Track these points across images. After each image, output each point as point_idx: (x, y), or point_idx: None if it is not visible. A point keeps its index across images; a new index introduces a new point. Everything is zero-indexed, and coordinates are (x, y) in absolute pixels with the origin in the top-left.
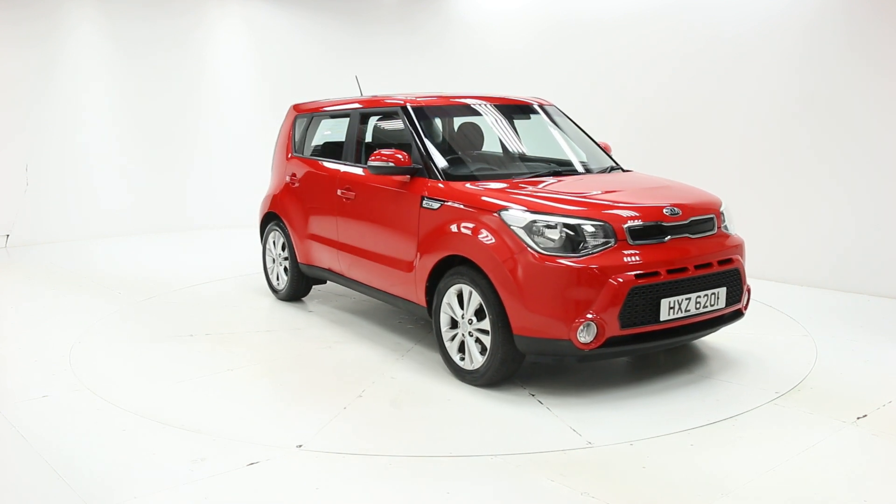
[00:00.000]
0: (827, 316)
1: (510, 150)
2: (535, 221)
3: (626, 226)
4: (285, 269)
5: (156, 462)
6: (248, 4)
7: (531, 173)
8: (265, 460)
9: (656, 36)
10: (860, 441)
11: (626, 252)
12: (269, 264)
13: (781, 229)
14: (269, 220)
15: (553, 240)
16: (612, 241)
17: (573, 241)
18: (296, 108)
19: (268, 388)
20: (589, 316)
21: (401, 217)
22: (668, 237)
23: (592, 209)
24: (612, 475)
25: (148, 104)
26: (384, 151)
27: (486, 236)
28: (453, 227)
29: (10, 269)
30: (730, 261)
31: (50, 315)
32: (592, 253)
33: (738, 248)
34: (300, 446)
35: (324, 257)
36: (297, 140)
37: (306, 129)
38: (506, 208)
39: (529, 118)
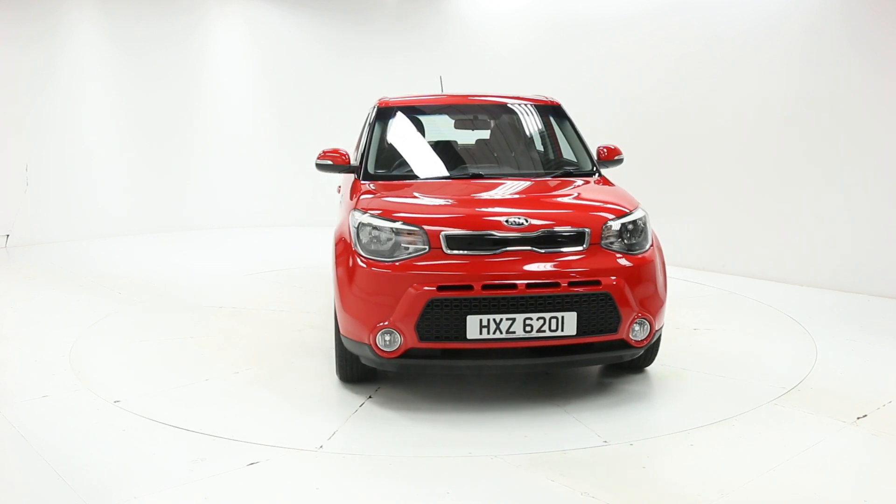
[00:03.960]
0: (827, 316)
1: (448, 152)
2: (362, 223)
3: (443, 233)
4: None
5: (156, 462)
6: (248, 4)
7: (447, 176)
8: (265, 460)
9: (656, 36)
10: (860, 441)
11: (437, 261)
12: None
13: (781, 229)
14: None
15: (375, 242)
16: (427, 248)
17: (395, 245)
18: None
19: (269, 390)
20: (386, 323)
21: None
22: (503, 249)
23: (417, 214)
24: (612, 475)
25: (148, 104)
26: (327, 150)
27: (339, 234)
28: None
29: (10, 269)
30: (595, 283)
31: (50, 315)
32: (404, 259)
33: (617, 270)
34: (300, 447)
35: None
36: None
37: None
38: (355, 208)
39: (500, 118)
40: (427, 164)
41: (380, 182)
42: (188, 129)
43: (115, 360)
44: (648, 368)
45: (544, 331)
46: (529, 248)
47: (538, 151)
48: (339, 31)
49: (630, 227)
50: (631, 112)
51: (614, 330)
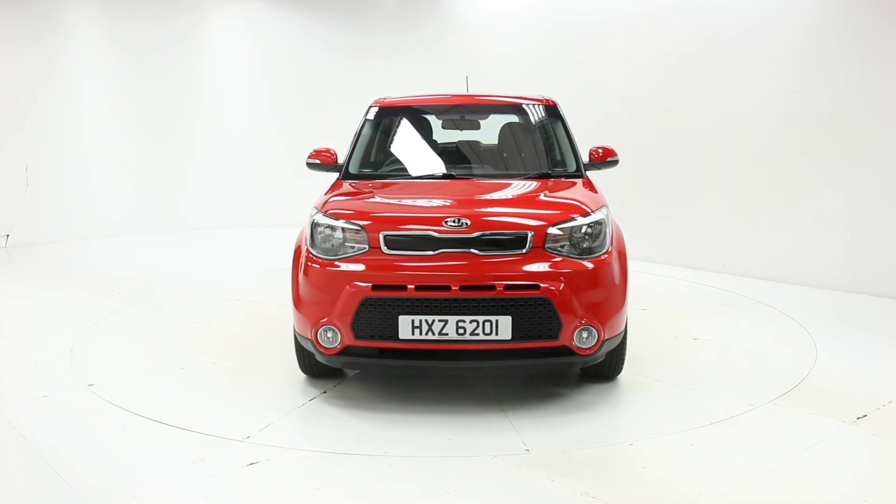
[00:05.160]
0: (827, 316)
1: (429, 153)
2: (315, 222)
3: (382, 233)
4: None
5: (156, 462)
6: (247, 4)
7: (420, 177)
8: (265, 460)
9: (656, 36)
10: (860, 441)
11: (375, 259)
12: None
13: (781, 229)
14: None
15: (325, 241)
16: (367, 247)
17: (341, 244)
18: None
19: (269, 391)
20: (325, 320)
21: None
22: (440, 250)
23: (359, 214)
24: (612, 475)
25: (148, 104)
26: (318, 149)
27: (300, 233)
28: None
29: (10, 269)
30: (534, 287)
31: (50, 315)
32: (346, 257)
33: (561, 275)
34: (228, 436)
35: None
36: None
37: None
38: (315, 206)
39: (489, 118)
40: (405, 165)
41: (357, 182)
42: (188, 129)
43: (115, 359)
44: (646, 369)
45: (478, 334)
46: (468, 250)
47: (524, 152)
48: (339, 31)
49: (582, 230)
50: (631, 112)
51: (554, 336)
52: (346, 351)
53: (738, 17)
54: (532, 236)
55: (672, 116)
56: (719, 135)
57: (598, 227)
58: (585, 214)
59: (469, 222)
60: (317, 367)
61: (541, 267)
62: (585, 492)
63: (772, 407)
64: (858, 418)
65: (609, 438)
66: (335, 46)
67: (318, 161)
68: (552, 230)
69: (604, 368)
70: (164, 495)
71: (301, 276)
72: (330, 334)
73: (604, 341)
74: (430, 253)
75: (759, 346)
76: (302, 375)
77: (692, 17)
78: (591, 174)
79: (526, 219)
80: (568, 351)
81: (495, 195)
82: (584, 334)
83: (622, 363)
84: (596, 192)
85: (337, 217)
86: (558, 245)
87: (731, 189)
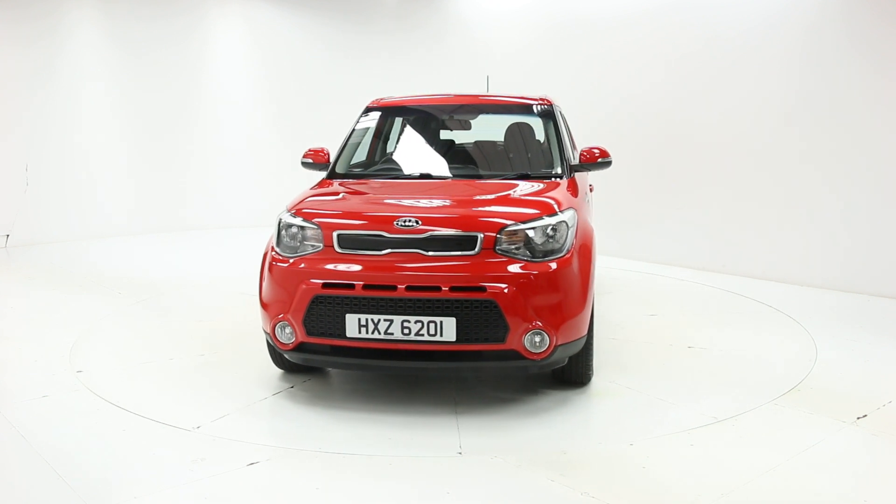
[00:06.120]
0: (827, 316)
1: (414, 153)
2: (282, 220)
3: (335, 232)
4: None
5: (156, 462)
6: (247, 4)
7: (398, 176)
8: (265, 460)
9: (656, 36)
10: (860, 441)
11: (329, 258)
12: None
13: (781, 229)
14: None
15: (288, 239)
16: (322, 246)
17: (301, 242)
18: None
19: (270, 391)
20: (281, 317)
21: None
22: (390, 250)
23: (317, 214)
24: (612, 475)
25: (148, 104)
26: (312, 148)
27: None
28: None
29: (10, 269)
30: (480, 289)
31: (50, 315)
32: (304, 255)
33: (509, 277)
34: (180, 426)
35: None
36: None
37: None
38: (286, 205)
39: (480, 119)
40: (387, 165)
41: (339, 181)
42: (188, 129)
43: (115, 359)
44: (646, 369)
45: (423, 335)
46: (417, 250)
47: (510, 152)
48: (339, 31)
49: (538, 232)
50: (631, 112)
51: (501, 340)
52: (300, 347)
53: (738, 17)
54: (482, 238)
55: (672, 116)
56: (719, 135)
57: (556, 230)
58: (543, 216)
59: (419, 223)
60: (287, 362)
61: (489, 269)
62: (585, 492)
63: (772, 407)
64: (858, 418)
65: (608, 438)
66: (335, 46)
67: (310, 160)
68: (504, 232)
69: (570, 374)
70: (164, 495)
71: (265, 273)
72: (287, 330)
73: (557, 346)
74: (380, 253)
75: (759, 346)
76: (278, 370)
77: (692, 17)
78: (592, 176)
79: (478, 220)
80: (518, 355)
81: (457, 196)
82: (537, 338)
83: (589, 369)
84: (576, 194)
85: (298, 216)
86: (513, 247)
87: (731, 189)
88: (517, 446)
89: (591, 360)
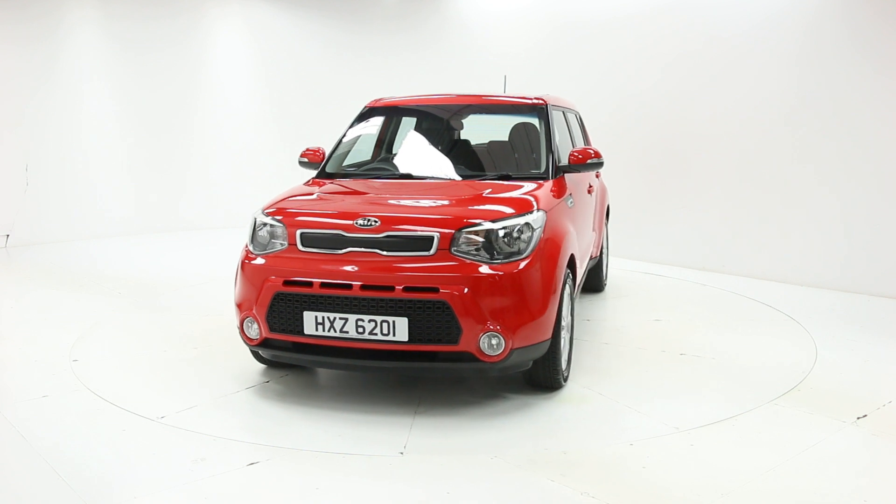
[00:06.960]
0: (827, 316)
1: (402, 153)
2: (256, 218)
3: (298, 231)
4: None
5: (156, 462)
6: (247, 4)
7: (380, 176)
8: (265, 460)
9: (655, 36)
10: (860, 441)
11: (291, 256)
12: None
13: (781, 229)
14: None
15: (260, 237)
16: (285, 243)
17: (269, 241)
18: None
19: (270, 391)
20: (247, 312)
21: None
22: (349, 249)
23: (284, 212)
24: (612, 475)
25: (148, 104)
26: (310, 148)
27: None
28: None
29: (10, 269)
30: (433, 290)
31: (50, 315)
32: (271, 253)
33: (464, 279)
34: (147, 416)
35: None
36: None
37: None
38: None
39: (472, 119)
40: (372, 165)
41: (327, 181)
42: (188, 129)
43: (115, 359)
44: (646, 369)
45: (376, 334)
46: (375, 249)
47: (496, 152)
48: (338, 31)
49: (496, 234)
50: (631, 112)
51: (454, 341)
52: (265, 343)
53: (738, 17)
54: (438, 238)
55: (672, 116)
56: (720, 135)
57: (521, 232)
58: (504, 218)
59: (378, 222)
60: (263, 357)
61: (444, 270)
62: (585, 492)
63: (772, 407)
64: (858, 418)
65: (608, 438)
66: (335, 46)
67: (306, 160)
68: (462, 233)
69: (538, 378)
70: (164, 495)
71: (238, 270)
72: (254, 326)
73: (514, 350)
74: (340, 252)
75: (760, 346)
76: (259, 364)
77: (692, 17)
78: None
79: (435, 220)
80: (473, 357)
81: (427, 196)
82: (494, 341)
83: (558, 374)
84: (558, 195)
85: (269, 216)
86: (472, 248)
87: (731, 189)
88: (465, 448)
89: (561, 364)
